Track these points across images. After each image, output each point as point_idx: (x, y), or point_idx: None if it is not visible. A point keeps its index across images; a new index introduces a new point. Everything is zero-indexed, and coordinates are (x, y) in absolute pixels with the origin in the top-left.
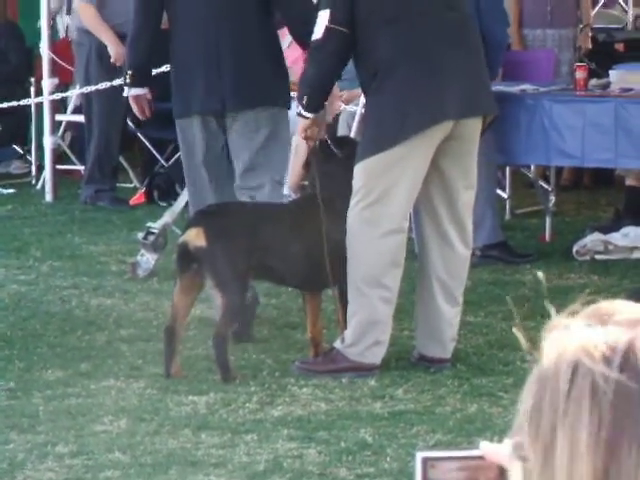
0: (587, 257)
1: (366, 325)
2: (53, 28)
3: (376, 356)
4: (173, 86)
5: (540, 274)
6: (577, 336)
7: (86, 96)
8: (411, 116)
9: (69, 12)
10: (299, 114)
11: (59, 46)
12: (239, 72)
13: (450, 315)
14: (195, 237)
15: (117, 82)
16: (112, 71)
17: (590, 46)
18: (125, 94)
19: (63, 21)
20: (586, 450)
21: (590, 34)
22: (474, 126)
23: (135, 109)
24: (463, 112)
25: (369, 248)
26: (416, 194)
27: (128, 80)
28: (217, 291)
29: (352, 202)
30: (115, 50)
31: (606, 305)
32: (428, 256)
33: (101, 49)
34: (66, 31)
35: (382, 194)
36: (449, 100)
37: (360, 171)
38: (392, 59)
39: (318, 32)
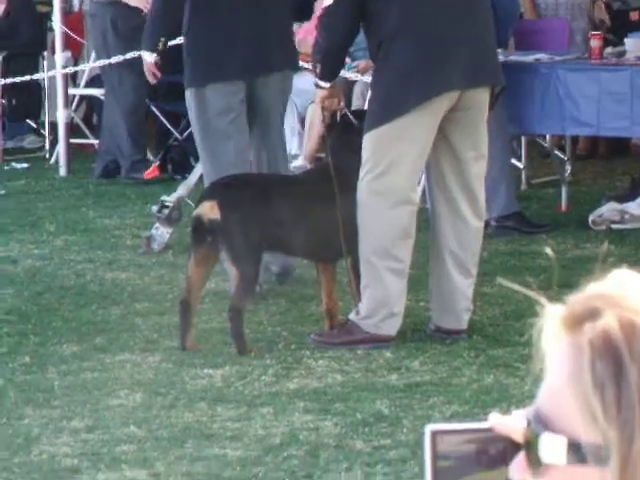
0: (603, 227)
1: (380, 298)
2: (68, 1)
3: (391, 327)
4: (198, 55)
5: (548, 250)
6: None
7: (106, 67)
8: (414, 87)
9: None
10: (316, 84)
11: (73, 19)
12: (280, 38)
13: (463, 286)
14: (209, 210)
15: (135, 53)
16: (130, 40)
17: (607, 17)
18: (150, 60)
19: None
20: None
21: (603, 5)
22: (481, 96)
23: (151, 74)
24: (468, 82)
25: (379, 220)
26: (423, 164)
27: (160, 47)
28: (231, 264)
29: (361, 174)
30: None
31: (618, 275)
32: (440, 228)
33: (116, 19)
34: (80, 4)
35: (389, 165)
36: (453, 70)
37: (367, 142)
38: (398, 28)
39: None
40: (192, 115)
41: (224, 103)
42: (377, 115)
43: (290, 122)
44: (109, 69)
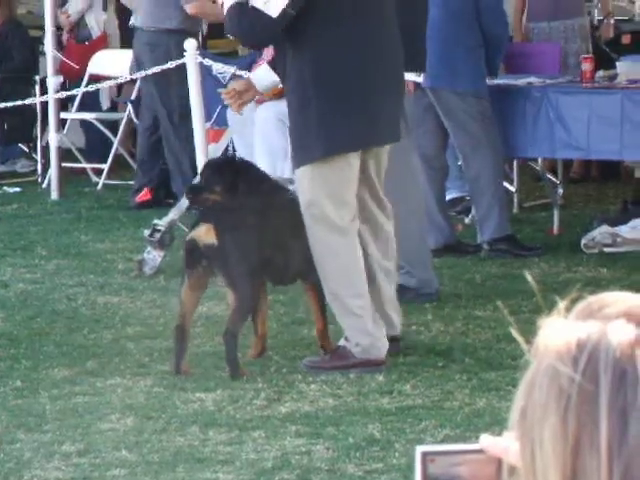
0: (595, 250)
1: (357, 327)
2: (81, 25)
3: (380, 351)
4: None
5: (528, 276)
6: (556, 336)
7: (164, 103)
8: (319, 140)
9: (105, 8)
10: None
11: (95, 45)
12: None
13: (391, 293)
14: (205, 234)
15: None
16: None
17: (612, 35)
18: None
19: (97, 18)
20: (552, 453)
21: (612, 22)
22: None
23: None
24: (366, 144)
25: (329, 253)
26: (350, 198)
27: None
28: (228, 288)
29: (302, 207)
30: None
31: (599, 298)
32: (367, 248)
33: (182, 48)
34: (104, 29)
35: (317, 198)
36: (350, 132)
37: (298, 176)
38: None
39: (275, 9)
40: None
41: None
42: (299, 152)
43: (283, 145)
44: (169, 104)
